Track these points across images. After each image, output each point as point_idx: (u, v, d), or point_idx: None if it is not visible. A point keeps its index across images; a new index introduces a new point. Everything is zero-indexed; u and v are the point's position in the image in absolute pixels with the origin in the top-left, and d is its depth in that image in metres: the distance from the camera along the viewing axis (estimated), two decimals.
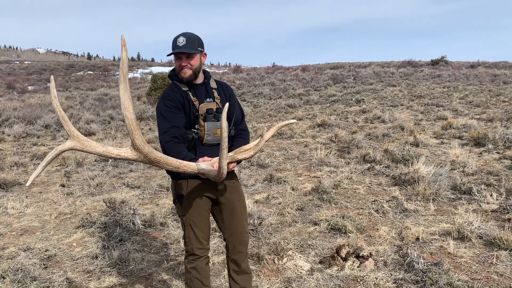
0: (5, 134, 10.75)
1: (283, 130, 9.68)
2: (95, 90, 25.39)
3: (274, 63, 40.87)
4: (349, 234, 3.98)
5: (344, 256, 3.32)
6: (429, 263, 3.17)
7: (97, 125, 11.99)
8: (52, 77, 1.90)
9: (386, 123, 10.71)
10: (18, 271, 3.22)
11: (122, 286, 3.20)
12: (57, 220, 4.72)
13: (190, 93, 2.39)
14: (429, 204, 4.67)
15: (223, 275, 3.31)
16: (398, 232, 4.00)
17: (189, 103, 2.36)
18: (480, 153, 7.12)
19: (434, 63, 30.22)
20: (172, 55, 2.34)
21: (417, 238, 3.76)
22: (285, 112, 13.67)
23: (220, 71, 40.20)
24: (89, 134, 11.15)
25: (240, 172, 6.43)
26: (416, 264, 3.15)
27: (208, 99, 2.42)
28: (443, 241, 3.72)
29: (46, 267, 3.48)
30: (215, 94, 2.47)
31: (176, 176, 2.41)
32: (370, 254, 3.39)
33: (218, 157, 2.00)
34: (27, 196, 5.59)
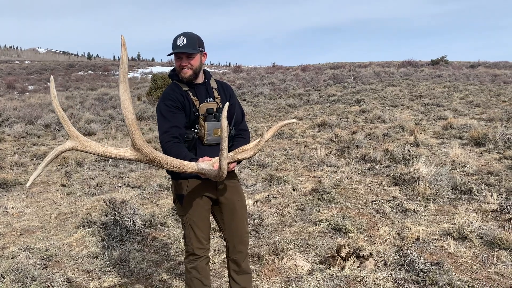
0: (5, 134, 10.76)
1: (283, 130, 9.68)
2: (95, 90, 25.41)
3: (274, 63, 40.90)
4: (350, 234, 3.98)
5: (344, 256, 3.32)
6: (429, 263, 3.17)
7: (97, 125, 12.00)
8: (52, 77, 1.90)
9: (386, 123, 10.71)
10: (18, 271, 3.22)
11: (122, 286, 3.20)
12: (57, 220, 4.72)
13: (190, 93, 2.38)
14: (430, 204, 4.67)
15: (223, 275, 3.30)
16: (398, 232, 3.99)
17: (189, 103, 2.36)
18: (481, 153, 7.12)
19: (434, 63, 30.22)
20: (173, 55, 2.34)
21: (418, 238, 3.76)
22: (285, 112, 13.67)
23: (220, 71, 40.20)
24: (89, 134, 11.16)
25: (241, 172, 6.43)
26: (416, 264, 3.15)
27: (208, 99, 2.41)
28: (444, 241, 3.72)
29: (46, 267, 3.48)
30: (216, 94, 2.46)
31: (176, 176, 2.41)
32: (371, 254, 3.39)
33: (218, 157, 2.00)
34: (27, 196, 5.59)
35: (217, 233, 4.00)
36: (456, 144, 7.29)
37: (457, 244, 3.64)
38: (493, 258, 3.32)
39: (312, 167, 6.65)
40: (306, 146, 8.44)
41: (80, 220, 4.49)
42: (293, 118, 11.95)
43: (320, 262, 3.45)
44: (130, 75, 37.83)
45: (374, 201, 4.91)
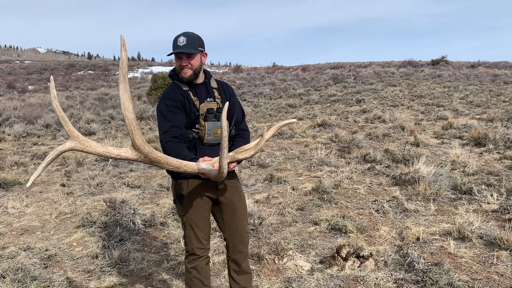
0: (5, 133, 10.76)
1: (284, 130, 9.68)
2: (95, 90, 25.42)
3: (274, 63, 40.91)
4: (350, 234, 3.98)
5: (344, 256, 3.31)
6: (429, 263, 3.17)
7: (98, 125, 12.00)
8: (52, 77, 1.90)
9: (386, 123, 10.71)
10: (18, 270, 3.22)
11: (123, 286, 3.20)
12: (57, 220, 4.72)
13: (190, 93, 2.38)
14: (430, 204, 4.67)
15: (224, 275, 3.30)
16: (398, 232, 3.99)
17: (189, 102, 2.36)
18: (481, 153, 7.11)
19: (434, 63, 30.22)
20: (173, 55, 2.33)
21: (418, 238, 3.76)
22: (285, 112, 13.67)
23: (221, 71, 40.21)
24: (89, 133, 11.16)
25: (241, 172, 6.43)
26: (416, 264, 3.15)
27: (208, 99, 2.41)
28: (444, 241, 3.72)
29: (46, 267, 3.48)
30: (216, 93, 2.46)
31: (177, 175, 2.41)
32: (371, 254, 3.39)
33: (218, 157, 2.00)
34: (27, 196, 5.59)
35: (217, 233, 3.99)
36: (456, 144, 7.29)
37: (457, 244, 3.64)
38: (493, 258, 3.32)
39: (312, 167, 6.65)
40: (306, 146, 8.44)
41: (80, 220, 4.49)
42: (293, 118, 11.96)
43: (320, 262, 3.45)
44: (130, 75, 37.85)
45: (374, 201, 4.91)
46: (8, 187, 5.96)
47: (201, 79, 2.44)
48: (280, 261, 3.45)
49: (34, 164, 7.49)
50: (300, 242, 3.85)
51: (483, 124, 9.75)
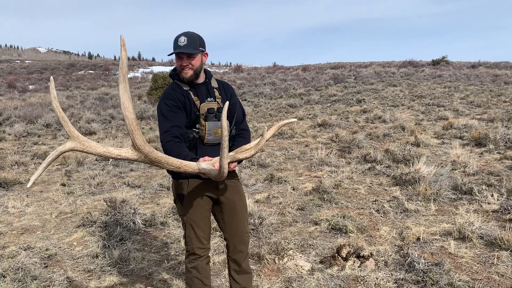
0: (6, 133, 10.77)
1: (284, 129, 9.68)
2: (95, 90, 25.43)
3: (275, 62, 40.91)
4: (350, 234, 3.98)
5: (344, 256, 3.31)
6: (430, 263, 3.17)
7: (98, 125, 12.00)
8: (51, 77, 1.90)
9: (387, 123, 10.70)
10: (18, 270, 3.22)
11: (123, 286, 3.20)
12: (57, 219, 4.72)
13: (191, 93, 2.38)
14: (430, 204, 4.67)
15: (224, 275, 3.30)
16: (399, 232, 3.99)
17: (190, 102, 2.36)
18: (481, 153, 7.11)
19: (435, 63, 30.21)
20: (173, 55, 2.33)
21: (418, 238, 3.76)
22: (285, 112, 13.67)
23: (221, 71, 40.21)
24: (89, 133, 11.16)
25: (241, 171, 6.43)
26: (417, 264, 3.15)
27: (209, 99, 2.41)
28: (444, 241, 3.72)
29: (47, 266, 3.48)
30: (216, 93, 2.46)
31: (177, 175, 2.41)
32: (371, 254, 3.39)
33: (219, 157, 2.00)
34: (27, 195, 5.60)
35: (218, 232, 3.99)
36: (456, 144, 7.28)
37: (457, 244, 3.63)
38: (494, 259, 3.32)
39: (313, 167, 6.65)
40: (306, 146, 8.44)
41: (81, 220, 4.49)
42: (293, 118, 11.97)
43: (321, 262, 3.45)
44: (131, 74, 37.86)
45: (375, 201, 4.91)
46: (9, 187, 5.96)
47: (201, 79, 2.44)
48: (281, 261, 3.45)
49: (34, 164, 7.49)
50: (301, 242, 3.85)
51: (484, 124, 9.74)
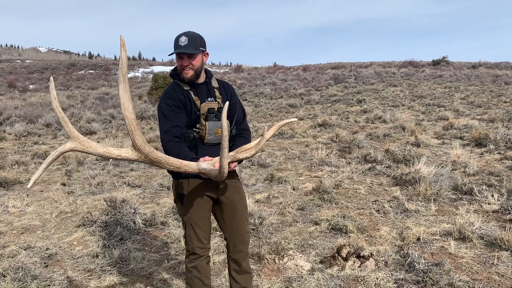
0: (6, 132, 10.77)
1: (284, 129, 9.68)
2: (96, 89, 25.44)
3: (275, 62, 40.91)
4: (350, 234, 3.98)
5: (345, 256, 3.31)
6: (430, 264, 3.17)
7: (98, 124, 12.01)
8: (51, 78, 1.90)
9: (387, 123, 10.70)
10: (18, 269, 3.22)
11: (123, 285, 3.20)
12: (57, 219, 4.72)
13: (191, 92, 2.38)
14: (430, 204, 4.66)
15: (224, 275, 3.30)
16: (399, 232, 3.99)
17: (190, 102, 2.35)
18: (481, 154, 7.11)
19: (435, 63, 30.21)
20: (174, 55, 2.33)
21: (418, 238, 3.76)
22: (286, 112, 13.67)
23: (221, 71, 40.22)
24: (90, 133, 11.17)
25: (241, 171, 6.43)
26: (417, 264, 3.15)
27: (209, 99, 2.41)
28: (444, 241, 3.72)
29: (47, 266, 3.49)
30: (217, 93, 2.46)
31: (177, 175, 2.41)
32: (371, 254, 3.39)
33: (219, 157, 2.00)
34: (28, 195, 5.60)
35: (218, 232, 3.99)
36: (457, 145, 7.28)
37: (457, 244, 3.63)
38: (494, 259, 3.32)
39: (313, 167, 6.65)
40: (307, 146, 8.44)
41: (81, 219, 4.49)
42: (293, 118, 11.97)
43: (321, 262, 3.45)
44: (131, 74, 37.86)
45: (375, 201, 4.91)
46: (9, 186, 5.97)
47: (202, 78, 2.44)
48: (281, 260, 3.45)
49: (34, 163, 7.50)
50: (301, 242, 3.85)
51: (484, 125, 9.74)
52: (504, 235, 3.56)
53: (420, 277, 3.02)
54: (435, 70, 25.95)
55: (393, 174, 5.85)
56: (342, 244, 3.47)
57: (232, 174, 2.49)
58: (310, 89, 19.46)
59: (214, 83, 2.50)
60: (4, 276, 3.17)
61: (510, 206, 4.33)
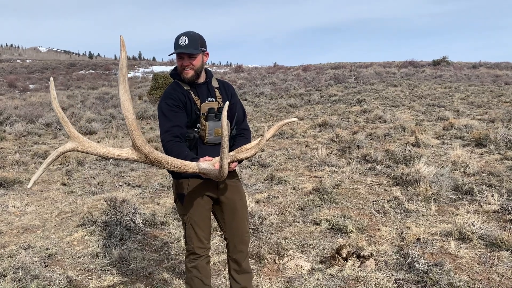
0: (6, 132, 10.77)
1: (284, 130, 9.68)
2: (96, 89, 25.44)
3: (275, 62, 40.92)
4: (350, 234, 3.98)
5: (345, 256, 3.31)
6: (430, 264, 3.17)
7: (98, 124, 12.01)
8: (51, 78, 1.90)
9: (387, 123, 10.70)
10: (18, 269, 3.23)
11: (123, 285, 3.20)
12: (57, 219, 4.72)
13: (191, 92, 2.38)
14: (430, 204, 4.66)
15: (224, 274, 3.30)
16: (399, 232, 3.99)
17: (190, 102, 2.35)
18: (482, 154, 7.11)
19: (435, 63, 30.21)
20: (174, 54, 2.33)
21: (418, 239, 3.76)
22: (286, 112, 13.67)
23: (222, 71, 40.21)
24: (90, 133, 11.17)
25: (241, 171, 6.43)
26: (417, 265, 3.15)
27: (209, 98, 2.41)
28: (444, 241, 3.72)
29: (47, 266, 3.49)
30: (217, 93, 2.46)
31: (177, 175, 2.41)
32: (371, 254, 3.39)
33: (219, 157, 2.00)
34: (28, 195, 5.60)
35: (218, 232, 4.00)
36: (457, 145, 7.28)
37: (457, 244, 3.63)
38: (494, 259, 3.32)
39: (313, 167, 6.65)
40: (307, 146, 8.43)
41: (81, 219, 4.49)
42: (294, 118, 11.96)
43: (321, 262, 3.45)
44: (132, 74, 37.86)
45: (375, 201, 4.91)
46: (9, 186, 5.97)
47: (202, 78, 2.44)
48: (281, 260, 3.45)
49: (34, 163, 7.50)
50: (301, 242, 3.85)
51: (484, 125, 9.74)
52: (504, 235, 3.56)
53: (420, 277, 3.02)
54: (435, 70, 25.94)
55: (393, 174, 5.85)
56: (342, 244, 3.47)
57: (232, 174, 2.49)
58: (310, 89, 19.46)
59: (214, 83, 2.49)
60: (4, 276, 3.17)
61: (510, 206, 4.33)
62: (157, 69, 39.08)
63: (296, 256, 3.50)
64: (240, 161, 2.37)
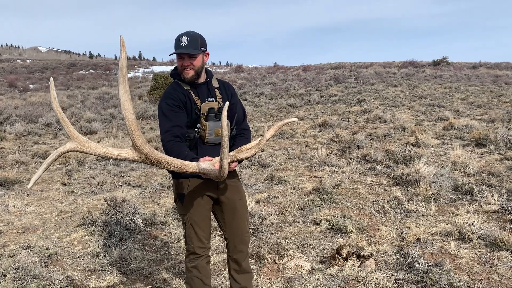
0: (6, 132, 10.77)
1: (284, 130, 9.68)
2: (96, 89, 25.44)
3: (275, 62, 40.92)
4: (350, 234, 3.98)
5: (344, 256, 3.32)
6: (430, 264, 3.17)
7: (98, 124, 12.01)
8: (51, 78, 1.90)
9: (387, 123, 10.70)
10: (19, 269, 3.23)
11: (123, 285, 3.20)
12: (58, 219, 4.73)
13: (192, 92, 2.38)
14: (430, 204, 4.67)
15: (224, 274, 3.31)
16: (399, 232, 3.99)
17: (191, 102, 2.36)
18: (482, 154, 7.11)
19: (435, 63, 30.20)
20: (175, 54, 2.33)
21: (418, 239, 3.76)
22: (286, 112, 13.67)
23: (222, 71, 40.21)
24: (90, 133, 11.17)
25: (241, 171, 6.43)
26: (417, 265, 3.15)
27: (210, 98, 2.41)
28: (444, 241, 3.72)
29: (47, 265, 3.49)
30: (217, 93, 2.46)
31: (177, 175, 2.41)
32: (371, 254, 3.39)
33: (219, 157, 2.00)
34: (28, 194, 5.60)
35: (218, 232, 4.00)
36: (457, 145, 7.28)
37: (457, 244, 3.63)
38: (494, 259, 3.32)
39: (313, 167, 6.65)
40: (307, 146, 8.44)
41: (81, 219, 4.49)
42: (294, 118, 11.95)
43: (321, 262, 3.45)
44: (132, 74, 37.86)
45: (375, 201, 4.91)
46: (9, 186, 5.97)
47: (202, 78, 2.44)
48: (281, 260, 3.45)
49: (35, 163, 7.50)
50: (301, 242, 3.85)
51: (484, 125, 9.74)
52: (504, 235, 3.56)
53: (420, 277, 3.03)
54: (436, 71, 25.94)
55: (393, 174, 5.85)
56: (342, 244, 3.47)
57: (232, 174, 2.49)
58: (310, 89, 19.46)
59: (215, 83, 2.50)
60: (4, 276, 3.17)
61: (510, 206, 4.33)
62: (157, 69, 39.08)
63: (296, 256, 3.50)
64: (240, 161, 2.37)
